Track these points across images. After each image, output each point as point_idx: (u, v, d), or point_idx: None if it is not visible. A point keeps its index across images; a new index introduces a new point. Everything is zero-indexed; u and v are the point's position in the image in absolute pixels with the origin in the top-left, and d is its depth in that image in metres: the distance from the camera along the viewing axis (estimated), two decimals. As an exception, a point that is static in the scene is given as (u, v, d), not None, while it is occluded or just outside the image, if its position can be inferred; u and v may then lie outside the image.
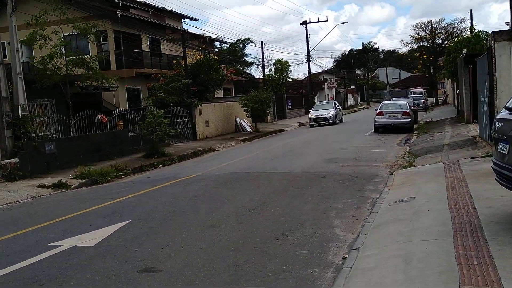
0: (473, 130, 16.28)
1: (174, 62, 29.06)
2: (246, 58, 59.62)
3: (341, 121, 33.22)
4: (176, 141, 22.58)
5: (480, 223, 5.64)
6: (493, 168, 5.86)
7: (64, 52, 18.15)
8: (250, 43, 54.82)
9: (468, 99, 19.25)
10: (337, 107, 33.44)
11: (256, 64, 57.80)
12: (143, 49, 28.33)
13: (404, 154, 14.33)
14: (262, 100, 27.54)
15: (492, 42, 9.38)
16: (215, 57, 31.93)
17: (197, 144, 22.12)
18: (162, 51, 30.70)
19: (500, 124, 5.59)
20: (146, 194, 10.66)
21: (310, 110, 32.77)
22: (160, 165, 16.45)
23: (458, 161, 10.65)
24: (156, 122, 17.85)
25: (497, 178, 5.74)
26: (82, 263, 5.85)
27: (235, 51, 60.44)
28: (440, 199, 7.20)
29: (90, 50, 26.91)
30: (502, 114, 5.69)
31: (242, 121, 29.36)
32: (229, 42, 46.48)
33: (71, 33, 20.00)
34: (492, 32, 9.47)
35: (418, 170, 10.45)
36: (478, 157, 10.62)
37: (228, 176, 12.41)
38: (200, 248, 6.16)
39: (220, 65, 39.85)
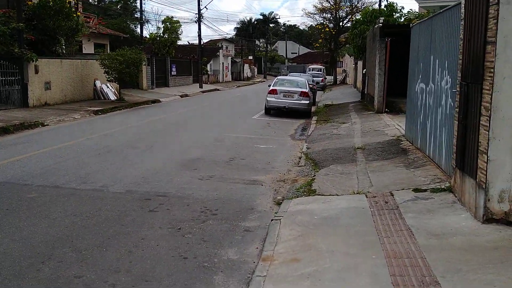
0: (391, 125, 12.11)
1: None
2: (138, 15, 51.61)
3: None
4: (-6, 107, 15.84)
5: None
6: None
7: None
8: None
9: (382, 82, 15.17)
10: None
11: (147, 21, 50.11)
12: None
13: (300, 158, 9.61)
14: (129, 61, 21.19)
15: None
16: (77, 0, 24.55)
17: (21, 114, 15.52)
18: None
19: None
20: None
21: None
22: None
23: (391, 195, 6.02)
24: None
25: None
26: None
27: (127, 5, 52.30)
28: None
29: None
30: None
31: (103, 86, 22.84)
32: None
33: None
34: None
35: (324, 214, 5.57)
36: (425, 189, 6.06)
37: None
38: None
39: (90, 14, 32.50)
